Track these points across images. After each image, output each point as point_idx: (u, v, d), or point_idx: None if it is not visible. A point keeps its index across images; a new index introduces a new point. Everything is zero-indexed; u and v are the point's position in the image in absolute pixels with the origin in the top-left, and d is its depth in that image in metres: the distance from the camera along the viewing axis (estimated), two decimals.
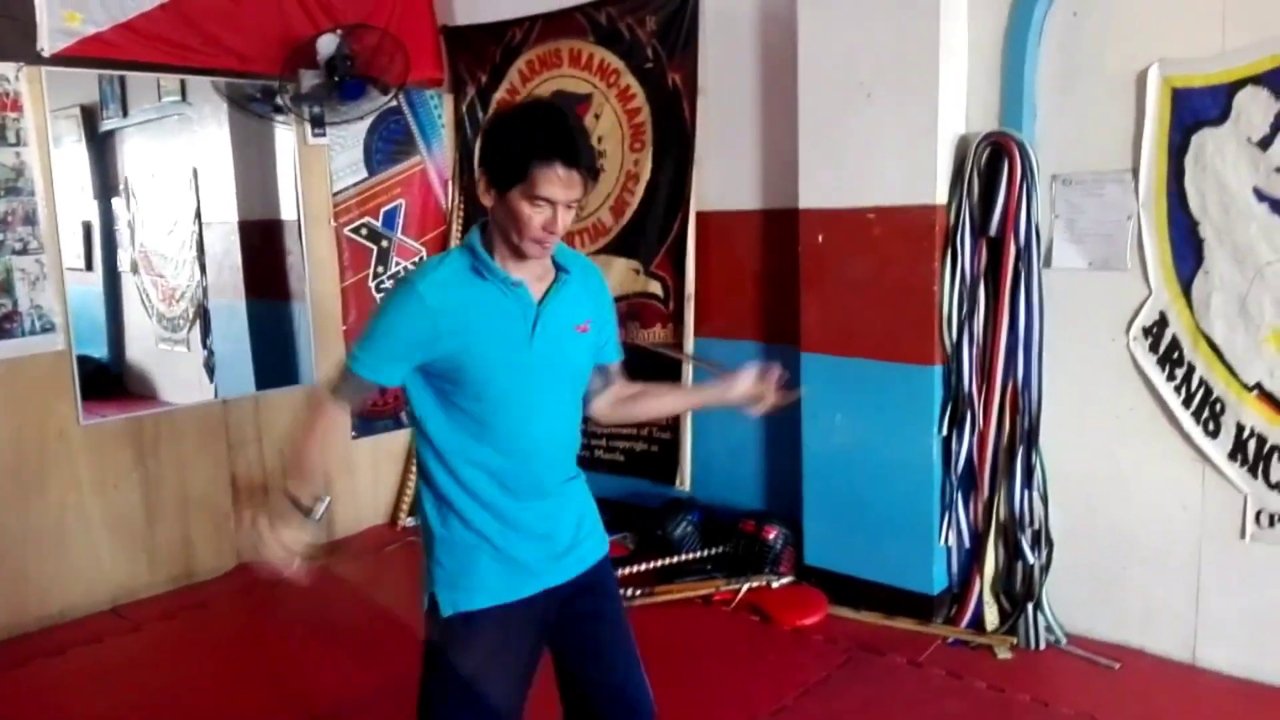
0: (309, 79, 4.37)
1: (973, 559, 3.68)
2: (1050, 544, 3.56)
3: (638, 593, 3.97)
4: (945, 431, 3.63)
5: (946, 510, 3.67)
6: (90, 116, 7.05)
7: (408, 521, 4.93)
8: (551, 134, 1.83)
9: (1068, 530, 3.55)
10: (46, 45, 3.78)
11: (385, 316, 1.91)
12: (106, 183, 7.11)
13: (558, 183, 1.81)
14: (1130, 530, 3.44)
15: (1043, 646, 3.49)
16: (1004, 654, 3.47)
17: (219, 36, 4.27)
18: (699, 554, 4.19)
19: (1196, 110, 3.13)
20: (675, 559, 4.18)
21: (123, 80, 5.51)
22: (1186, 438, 3.28)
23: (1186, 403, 3.26)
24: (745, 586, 3.93)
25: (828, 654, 3.53)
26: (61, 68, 3.89)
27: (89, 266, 7.55)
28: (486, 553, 1.95)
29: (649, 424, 4.50)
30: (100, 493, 4.07)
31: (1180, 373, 3.27)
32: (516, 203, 1.82)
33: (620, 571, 4.13)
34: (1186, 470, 3.29)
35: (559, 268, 1.98)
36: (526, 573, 1.98)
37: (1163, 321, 3.28)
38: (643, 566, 4.16)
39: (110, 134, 6.93)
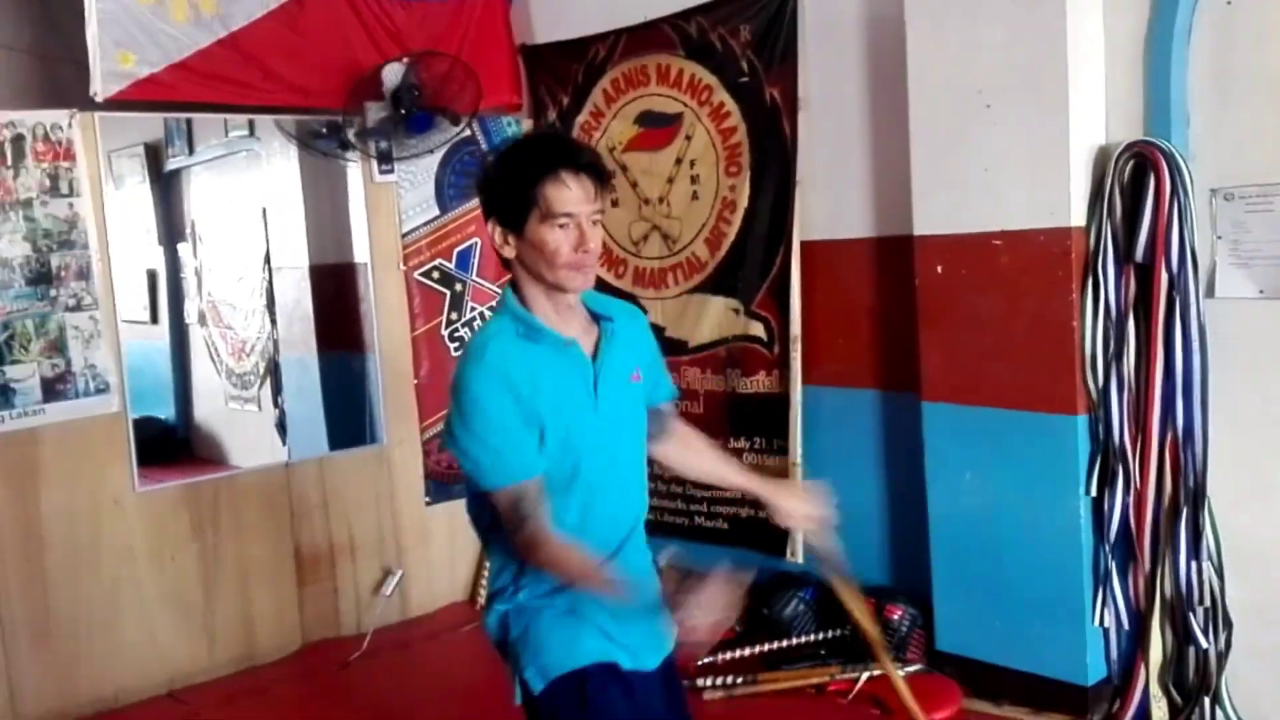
0: (374, 112, 4.72)
1: (1135, 643, 3.67)
2: (1229, 624, 3.53)
3: (739, 680, 4.08)
4: (1094, 492, 3.64)
5: (1100, 585, 3.67)
6: (155, 155, 7.69)
7: None
8: (544, 148, 2.10)
9: (1249, 607, 3.51)
10: (100, 89, 4.19)
11: (484, 417, 2.01)
12: (172, 226, 7.72)
13: (570, 193, 2.00)
14: None
15: None
16: None
17: (280, 71, 4.65)
18: (812, 637, 4.28)
19: None
20: (785, 643, 4.27)
21: (188, 116, 6.02)
22: None
23: None
24: (865, 675, 3.99)
25: None
26: (115, 113, 4.30)
27: (154, 319, 8.18)
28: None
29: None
30: (157, 566, 4.43)
31: None
32: (538, 233, 2.01)
33: (722, 656, 4.27)
34: None
35: (599, 317, 2.17)
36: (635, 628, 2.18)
37: None
38: (747, 651, 4.27)
39: (175, 173, 7.55)
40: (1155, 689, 3.61)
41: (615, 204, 5.04)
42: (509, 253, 2.08)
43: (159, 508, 4.47)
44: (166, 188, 7.65)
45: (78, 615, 4.26)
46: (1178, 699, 3.60)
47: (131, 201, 7.89)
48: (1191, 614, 3.50)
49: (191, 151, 7.21)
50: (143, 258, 7.94)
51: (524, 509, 2.01)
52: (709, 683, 4.08)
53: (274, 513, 4.77)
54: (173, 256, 7.72)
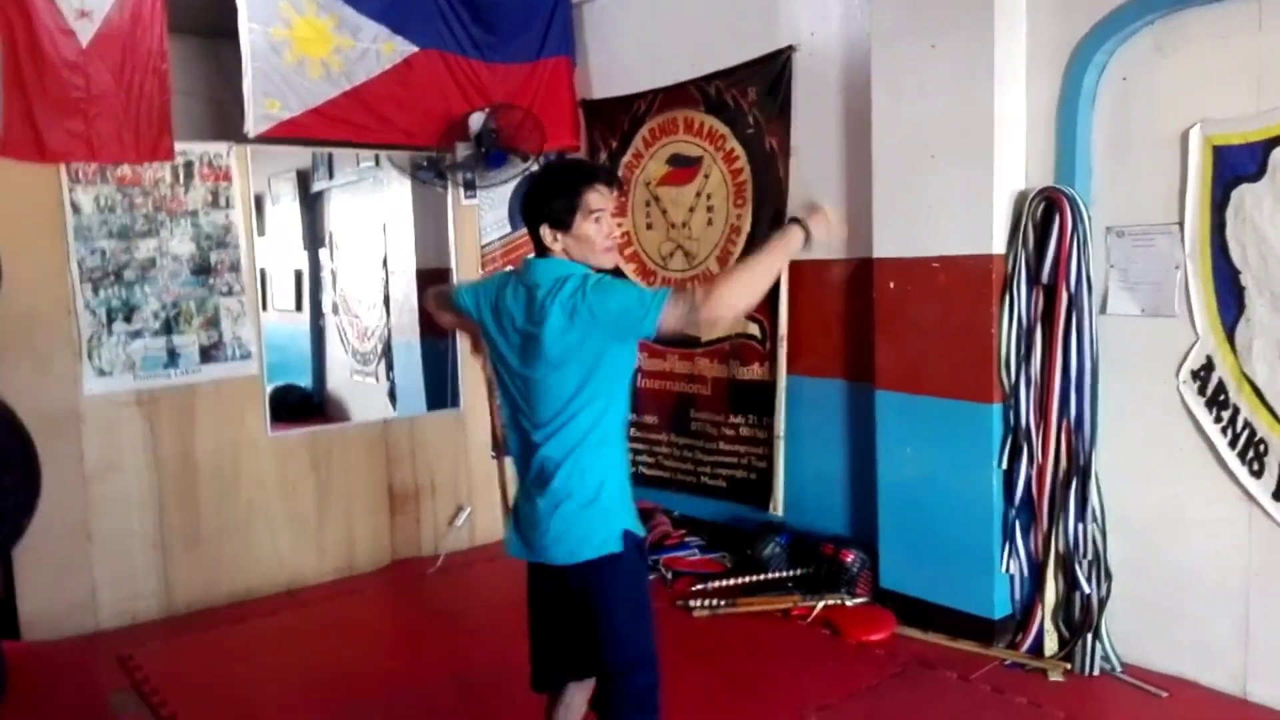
0: (462, 150, 4.99)
1: (1035, 587, 3.77)
2: (1109, 576, 3.62)
3: (723, 603, 4.27)
4: (1005, 465, 3.76)
5: (1007, 540, 3.79)
6: (304, 179, 8.08)
7: None
8: (579, 170, 2.46)
9: (1127, 563, 3.60)
10: (251, 128, 4.52)
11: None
12: (315, 235, 8.10)
13: (601, 197, 2.33)
14: (1184, 565, 3.47)
15: (1096, 673, 3.56)
16: (1056, 677, 3.55)
17: (391, 117, 4.94)
18: (784, 573, 4.44)
19: (1235, 166, 3.21)
20: (762, 576, 4.44)
21: (329, 150, 6.34)
22: (1233, 477, 3.31)
23: (1233, 444, 3.30)
24: (821, 604, 4.15)
25: (884, 665, 3.72)
26: (263, 145, 4.63)
27: (299, 308, 8.59)
28: None
29: (747, 454, 4.80)
30: (281, 494, 4.75)
31: (1226, 415, 3.31)
32: (583, 228, 2.30)
33: (713, 584, 4.46)
34: (1234, 509, 3.31)
35: None
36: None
37: (1209, 365, 3.34)
38: (731, 581, 4.45)
39: (319, 194, 7.93)
40: (1049, 625, 3.71)
41: (650, 227, 5.25)
42: (558, 248, 2.32)
43: (285, 449, 4.79)
44: (312, 205, 8.03)
45: (220, 529, 4.59)
46: (1066, 634, 3.70)
47: (286, 215, 8.32)
48: (1078, 565, 3.61)
49: (331, 177, 7.57)
50: (292, 259, 8.37)
51: (678, 299, 2.17)
52: (699, 604, 4.27)
53: (373, 458, 5.06)
54: (314, 259, 8.10)
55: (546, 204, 2.32)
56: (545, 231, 2.32)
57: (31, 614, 4.15)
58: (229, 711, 3.57)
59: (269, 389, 7.72)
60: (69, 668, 3.91)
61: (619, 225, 2.39)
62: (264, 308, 9.20)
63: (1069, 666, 3.60)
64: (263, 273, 9.06)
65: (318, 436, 4.97)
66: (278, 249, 8.58)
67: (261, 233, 8.85)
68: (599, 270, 2.33)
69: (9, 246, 4.04)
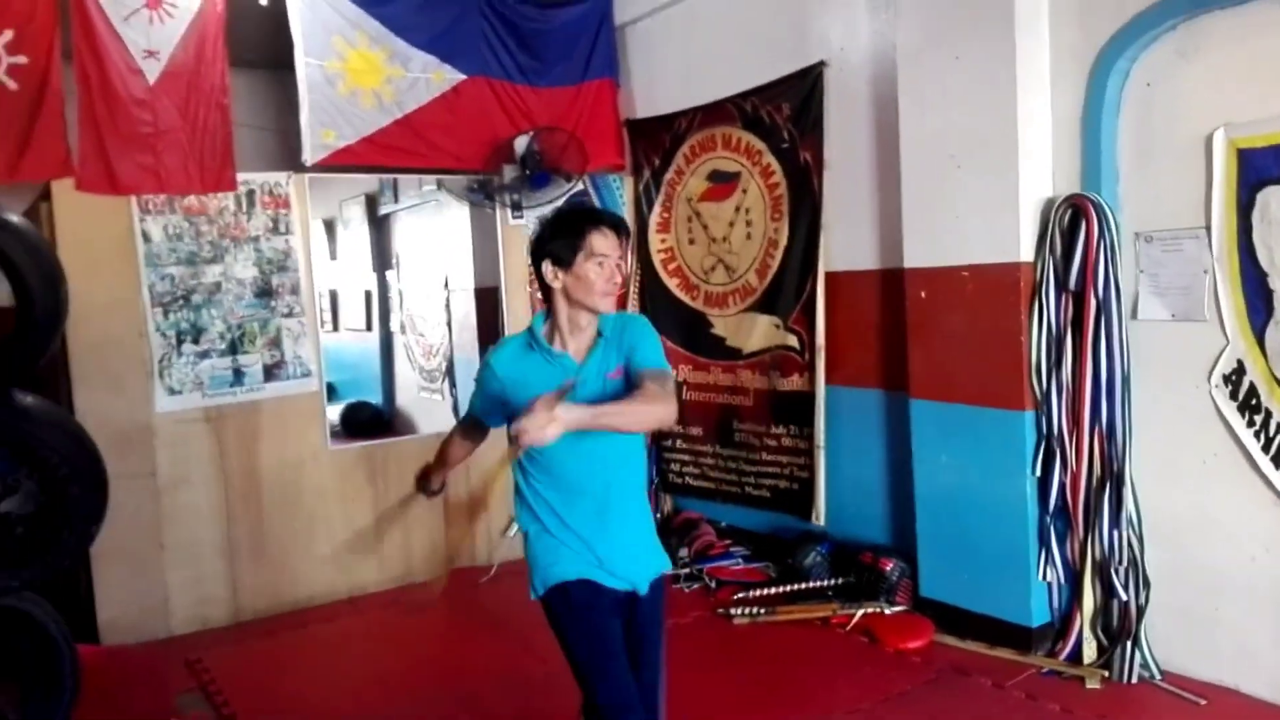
0: (508, 172, 5.17)
1: (1073, 595, 3.76)
2: (1148, 583, 3.60)
3: (762, 611, 4.34)
4: (1039, 473, 3.76)
5: (1043, 547, 3.79)
6: (372, 203, 8.39)
7: None
8: (587, 214, 2.49)
9: (1163, 569, 3.58)
10: (308, 157, 4.77)
11: (478, 383, 2.57)
12: (383, 257, 8.40)
13: (606, 241, 2.38)
14: (1220, 571, 3.44)
15: (1135, 681, 3.54)
16: (1093, 685, 3.54)
17: (440, 143, 5.15)
18: (826, 582, 4.49)
19: (1260, 169, 3.19)
20: (803, 585, 4.50)
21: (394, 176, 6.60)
22: (1267, 481, 3.27)
23: (1265, 447, 3.27)
24: (860, 612, 4.19)
25: (919, 672, 3.75)
26: (319, 174, 4.88)
27: (368, 327, 8.91)
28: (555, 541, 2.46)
29: (789, 465, 4.86)
30: (341, 504, 4.97)
31: (1259, 419, 3.28)
32: (584, 268, 2.36)
33: (755, 592, 4.53)
34: (1268, 513, 3.28)
35: (600, 334, 2.46)
36: (587, 563, 2.44)
37: (1240, 370, 3.31)
38: (772, 590, 4.52)
39: (386, 216, 8.23)
40: (1088, 632, 3.71)
41: (692, 242, 5.37)
42: (557, 285, 2.40)
43: (344, 462, 5.01)
44: (380, 228, 8.34)
45: (283, 538, 4.83)
46: (1104, 641, 3.69)
47: (356, 238, 8.65)
48: (1114, 572, 3.60)
49: (397, 200, 7.85)
50: (362, 281, 8.70)
51: (462, 423, 2.69)
52: (740, 611, 4.35)
53: None
54: (382, 280, 8.40)
55: (551, 241, 2.41)
56: (547, 268, 2.40)
57: (109, 619, 4.43)
58: (288, 713, 3.77)
59: (341, 407, 8.07)
60: (141, 670, 4.17)
61: (618, 264, 2.42)
62: (335, 328, 9.60)
63: (1106, 674, 3.59)
64: (334, 294, 9.51)
65: (375, 450, 5.18)
66: (349, 271, 8.94)
67: (334, 256, 9.28)
68: (590, 314, 2.40)
69: (85, 274, 4.34)
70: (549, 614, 2.46)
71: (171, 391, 4.56)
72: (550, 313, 2.46)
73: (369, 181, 7.74)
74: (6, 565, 3.13)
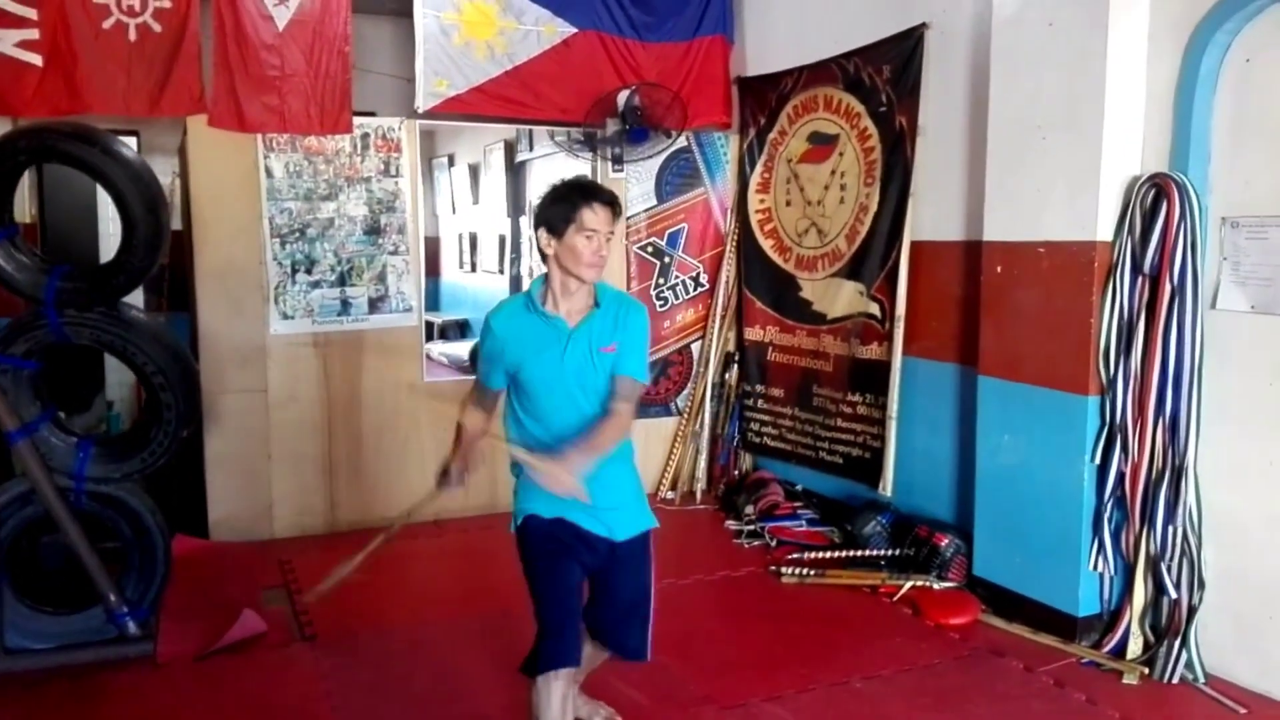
0: (610, 126, 5.32)
1: (1126, 588, 3.67)
2: (1202, 584, 3.48)
3: (812, 573, 4.41)
4: (1098, 460, 3.67)
5: (1096, 537, 3.70)
6: (510, 150, 8.72)
7: (668, 494, 5.70)
8: (583, 187, 2.60)
9: (1221, 570, 3.46)
10: (421, 104, 5.07)
11: (479, 346, 2.77)
12: (517, 203, 8.73)
13: (596, 216, 2.52)
14: (1278, 578, 3.29)
15: (1175, 681, 3.44)
16: (1130, 680, 3.47)
17: (548, 94, 5.35)
18: (882, 551, 4.51)
19: None
20: (858, 552, 4.53)
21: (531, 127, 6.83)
22: None
23: None
24: (908, 584, 4.21)
25: (953, 648, 3.76)
26: (430, 121, 5.16)
27: (500, 271, 9.29)
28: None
29: (863, 433, 4.87)
30: (432, 432, 5.29)
31: None
32: (573, 240, 2.53)
33: (809, 555, 4.60)
34: None
35: (597, 304, 2.62)
36: (558, 505, 2.60)
37: None
38: (826, 555, 4.58)
39: (522, 164, 8.53)
40: (1135, 628, 3.62)
41: (788, 204, 5.38)
42: (550, 251, 2.57)
43: (438, 393, 5.35)
44: (516, 175, 8.66)
45: (378, 460, 5.22)
46: (1151, 638, 3.60)
47: (495, 184, 9.01)
48: (1166, 569, 3.49)
49: (531, 149, 8.13)
50: (499, 225, 9.07)
51: (474, 392, 2.81)
52: (789, 571, 4.43)
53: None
54: (515, 225, 8.74)
55: (547, 210, 2.57)
56: (541, 235, 2.57)
57: (218, 519, 4.94)
58: (354, 614, 4.12)
59: (472, 343, 8.47)
60: (238, 565, 4.64)
61: (607, 239, 2.57)
62: (474, 269, 10.02)
63: (1146, 671, 3.50)
64: (474, 237, 9.92)
65: (468, 384, 5.47)
66: (488, 215, 9.34)
67: (476, 200, 9.68)
68: (579, 281, 2.56)
69: (214, 204, 4.83)
70: (519, 544, 2.71)
71: (285, 316, 4.99)
72: (546, 278, 2.63)
73: (508, 130, 8.02)
74: (110, 460, 3.57)
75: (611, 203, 2.57)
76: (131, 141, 6.71)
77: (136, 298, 7.04)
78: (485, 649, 3.75)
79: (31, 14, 4.31)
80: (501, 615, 3.91)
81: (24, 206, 6.19)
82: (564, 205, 2.54)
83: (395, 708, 3.35)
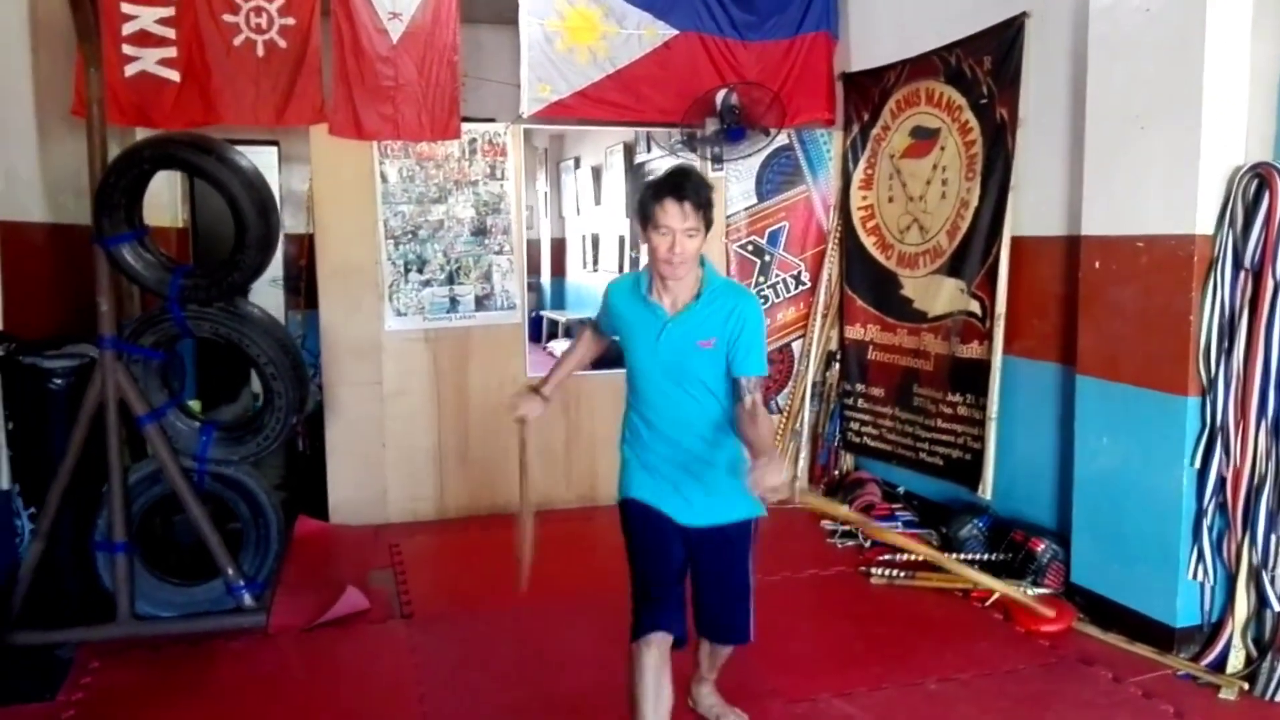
0: (710, 125, 5.40)
1: (1228, 599, 3.52)
2: None
3: (902, 575, 4.38)
4: (1198, 464, 3.52)
5: (1196, 545, 3.55)
6: (629, 151, 8.90)
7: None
8: (664, 183, 2.59)
9: None
10: (525, 110, 5.29)
11: (603, 300, 2.91)
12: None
13: (669, 214, 2.53)
14: None
15: (1277, 699, 3.27)
16: (1227, 695, 3.32)
17: (649, 96, 5.49)
18: (978, 555, 4.42)
19: None
20: (954, 556, 4.44)
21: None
22: None
23: None
24: (1000, 590, 4.11)
25: (1039, 655, 3.68)
26: (534, 125, 5.37)
27: (620, 270, 9.48)
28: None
29: (964, 434, 4.78)
30: (537, 428, 5.43)
31: None
32: (651, 237, 2.61)
33: (902, 556, 4.55)
34: None
35: (700, 294, 2.65)
36: (655, 491, 2.76)
37: None
38: (919, 557, 4.50)
39: (641, 164, 8.70)
40: (1237, 641, 3.47)
41: (891, 200, 5.33)
42: (644, 244, 2.67)
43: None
44: (635, 175, 8.83)
45: (485, 451, 5.45)
46: (1254, 652, 3.43)
47: (615, 185, 9.20)
48: (1268, 579, 3.33)
49: (649, 150, 8.29)
50: (619, 226, 9.26)
51: (590, 324, 3.04)
52: (879, 572, 4.41)
53: (618, 402, 5.64)
54: (633, 225, 8.92)
55: (640, 204, 2.61)
56: (640, 228, 2.63)
57: (336, 503, 5.28)
58: (452, 597, 4.36)
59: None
60: (351, 546, 4.97)
61: (688, 235, 2.56)
62: (595, 268, 10.30)
63: (1246, 687, 3.34)
64: (595, 237, 10.18)
65: (569, 381, 5.64)
66: (609, 216, 9.55)
67: (598, 201, 9.94)
68: (662, 283, 2.64)
69: (334, 207, 5.17)
70: (621, 514, 2.85)
71: (398, 313, 5.29)
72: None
73: (627, 131, 8.19)
74: (229, 443, 3.90)
75: (684, 197, 2.49)
76: (272, 151, 7.26)
77: (279, 297, 7.63)
78: (576, 632, 3.92)
79: (170, 34, 4.74)
80: (596, 603, 4.00)
81: (177, 212, 6.78)
82: (648, 200, 2.57)
83: (479, 679, 3.54)
